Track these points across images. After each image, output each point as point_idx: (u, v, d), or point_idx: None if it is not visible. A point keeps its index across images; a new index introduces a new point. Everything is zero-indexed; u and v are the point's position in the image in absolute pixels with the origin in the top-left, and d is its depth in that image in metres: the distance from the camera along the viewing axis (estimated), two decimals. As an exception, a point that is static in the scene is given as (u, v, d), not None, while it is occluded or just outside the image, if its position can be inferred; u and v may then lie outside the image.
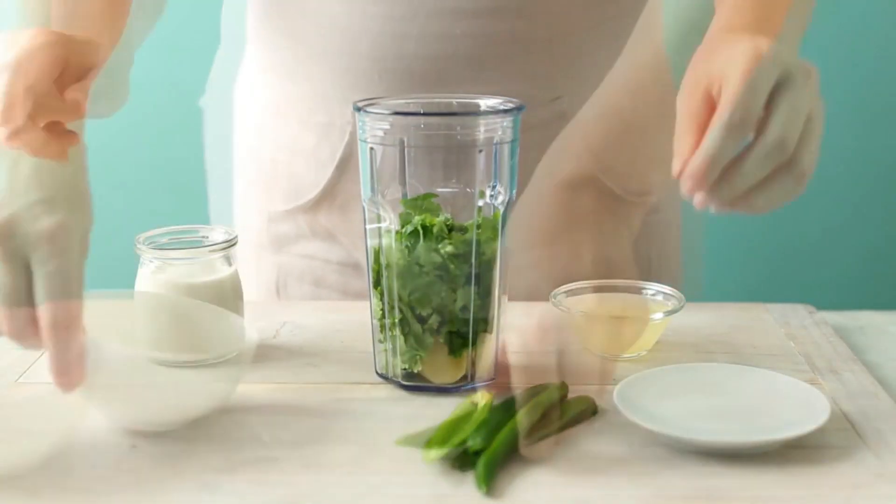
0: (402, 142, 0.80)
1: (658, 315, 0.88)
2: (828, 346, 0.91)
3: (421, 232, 0.80)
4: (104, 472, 0.71)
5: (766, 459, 0.72)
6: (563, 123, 0.99)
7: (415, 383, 0.83)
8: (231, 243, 0.90)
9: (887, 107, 1.95)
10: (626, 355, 0.88)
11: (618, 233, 0.94)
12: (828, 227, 1.97)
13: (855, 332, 0.98)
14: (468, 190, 0.81)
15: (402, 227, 0.81)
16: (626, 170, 0.93)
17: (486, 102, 0.84)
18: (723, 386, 0.80)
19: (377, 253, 0.82)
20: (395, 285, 0.81)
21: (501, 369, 0.82)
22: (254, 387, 0.84)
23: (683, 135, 0.72)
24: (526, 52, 1.02)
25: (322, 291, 1.11)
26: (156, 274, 0.88)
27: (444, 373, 0.82)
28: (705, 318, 0.97)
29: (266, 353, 0.91)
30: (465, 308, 0.81)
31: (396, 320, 0.82)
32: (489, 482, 0.68)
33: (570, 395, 0.78)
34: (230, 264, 0.91)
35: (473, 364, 0.82)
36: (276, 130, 1.11)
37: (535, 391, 0.76)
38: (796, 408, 0.76)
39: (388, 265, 0.81)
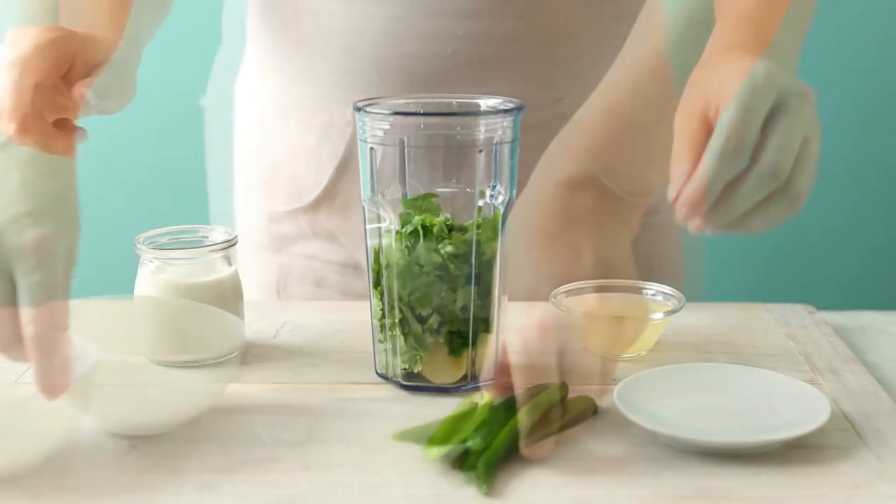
0: (402, 142, 0.80)
1: (658, 315, 0.88)
2: (828, 346, 0.91)
3: (421, 232, 0.80)
4: (104, 472, 0.71)
5: (766, 459, 0.72)
6: (563, 123, 0.99)
7: (415, 383, 0.83)
8: (231, 243, 0.90)
9: (887, 107, 1.95)
10: (626, 355, 0.88)
11: (618, 233, 0.94)
12: (828, 227, 1.97)
13: (855, 332, 0.98)
14: (468, 190, 0.81)
15: (402, 227, 0.81)
16: (626, 170, 0.93)
17: (486, 102, 0.84)
18: (723, 386, 0.80)
19: (377, 253, 0.82)
20: (395, 285, 0.81)
21: (501, 369, 0.82)
22: (254, 387, 0.84)
23: (680, 159, 0.72)
24: (526, 53, 1.02)
25: (323, 292, 1.11)
26: (156, 274, 0.88)
27: (444, 373, 0.82)
28: (705, 318, 0.97)
29: (266, 353, 0.91)
30: (465, 308, 0.81)
31: (396, 320, 0.82)
32: (489, 482, 0.68)
33: (570, 395, 0.78)
34: (230, 264, 0.91)
35: (473, 364, 0.82)
36: (276, 131, 1.11)
37: (535, 391, 0.76)
38: (796, 408, 0.76)
39: (388, 265, 0.81)
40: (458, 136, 0.80)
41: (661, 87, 0.91)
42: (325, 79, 1.05)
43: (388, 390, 0.83)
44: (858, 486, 0.69)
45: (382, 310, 0.83)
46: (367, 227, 0.83)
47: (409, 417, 0.78)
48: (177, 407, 0.77)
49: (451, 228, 0.81)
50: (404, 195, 0.81)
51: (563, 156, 0.93)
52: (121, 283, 0.96)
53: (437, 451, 0.71)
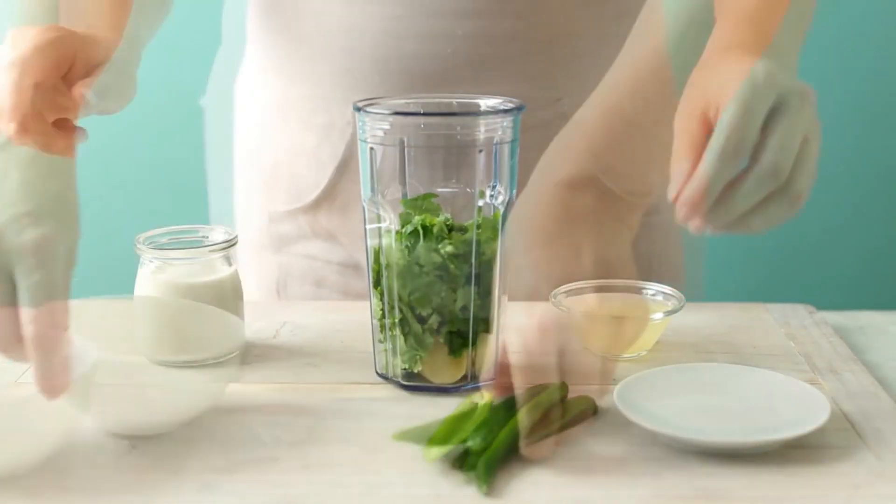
0: (402, 142, 0.80)
1: (658, 315, 0.88)
2: (828, 346, 0.91)
3: (421, 232, 0.80)
4: (104, 472, 0.71)
5: (766, 459, 0.72)
6: (563, 123, 0.99)
7: (415, 383, 0.83)
8: (231, 243, 0.90)
9: (887, 107, 1.95)
10: (626, 355, 0.88)
11: (618, 233, 0.94)
12: (828, 227, 1.97)
13: (855, 332, 0.98)
14: (468, 190, 0.81)
15: (402, 227, 0.81)
16: (626, 170, 0.93)
17: (486, 102, 0.84)
18: (723, 386, 0.80)
19: (377, 253, 0.82)
20: (395, 285, 0.81)
21: (501, 369, 0.82)
22: (254, 387, 0.84)
23: (679, 159, 0.72)
24: (526, 53, 1.02)
25: (323, 292, 1.11)
26: (156, 274, 0.88)
27: (444, 373, 0.82)
28: (705, 318, 0.97)
29: (266, 353, 0.91)
30: (465, 308, 0.81)
31: (396, 320, 0.82)
32: (489, 482, 0.68)
33: (570, 395, 0.78)
34: (230, 264, 0.91)
35: (473, 364, 0.82)
36: (276, 131, 1.11)
37: (535, 391, 0.76)
38: (796, 408, 0.76)
39: (388, 265, 0.81)
40: (458, 136, 0.80)
41: (660, 86, 0.91)
42: (325, 79, 1.05)
43: (388, 390, 0.83)
44: (858, 486, 0.69)
45: (382, 310, 0.83)
46: (367, 227, 0.83)
47: (409, 417, 0.78)
48: (176, 407, 0.77)
49: (451, 228, 0.81)
50: (404, 195, 0.81)
51: (563, 156, 0.93)
52: (121, 283, 0.96)
53: (437, 452, 0.71)
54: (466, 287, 0.81)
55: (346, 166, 1.06)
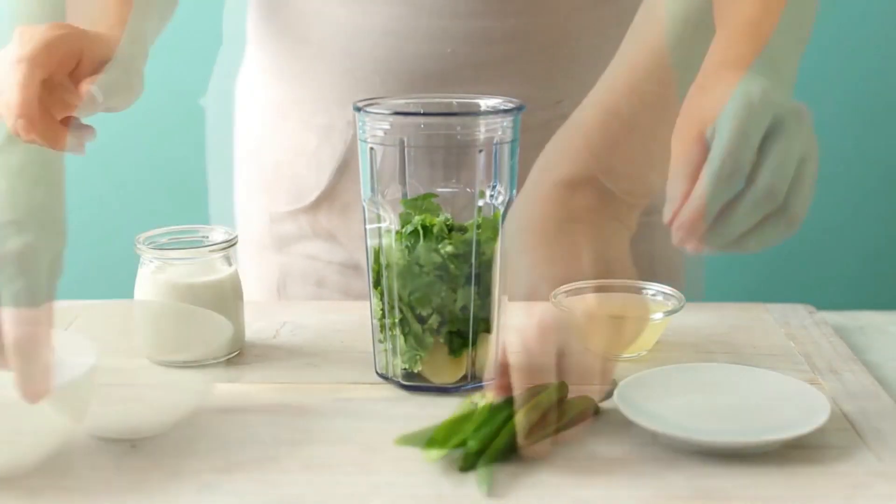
0: (402, 142, 0.80)
1: (658, 315, 0.88)
2: (828, 346, 0.91)
3: (421, 232, 0.80)
4: (104, 472, 0.71)
5: (766, 459, 0.72)
6: (563, 124, 0.98)
7: (415, 383, 0.83)
8: (231, 243, 0.90)
9: (887, 107, 1.95)
10: (626, 355, 0.88)
11: (616, 233, 0.94)
12: (828, 227, 1.97)
13: (855, 332, 0.98)
14: (468, 190, 0.81)
15: (402, 227, 0.81)
16: (625, 170, 0.93)
17: (486, 102, 0.84)
18: (723, 386, 0.80)
19: (377, 253, 0.82)
20: (395, 285, 0.81)
21: (501, 369, 0.82)
22: (254, 387, 0.84)
23: (675, 180, 0.72)
24: (526, 53, 1.02)
25: (324, 292, 1.11)
26: (156, 274, 0.88)
27: (444, 373, 0.82)
28: (705, 318, 0.97)
29: (266, 353, 0.91)
30: (465, 308, 0.81)
31: (396, 320, 0.82)
32: (489, 482, 0.69)
33: (570, 395, 0.78)
34: (230, 264, 0.91)
35: (473, 364, 0.82)
36: (277, 131, 1.11)
37: (535, 391, 0.76)
38: (796, 408, 0.76)
39: (388, 265, 0.81)
40: (458, 136, 0.80)
41: (658, 87, 0.90)
42: (325, 79, 1.05)
43: (388, 390, 0.83)
44: (858, 486, 0.69)
45: (382, 310, 0.83)
46: (367, 227, 0.83)
47: (409, 417, 0.78)
48: (161, 410, 0.77)
49: (451, 228, 0.81)
50: (404, 195, 0.81)
51: (561, 156, 0.93)
52: (121, 283, 0.96)
53: (438, 452, 0.71)
54: (466, 287, 0.81)
55: (346, 167, 1.06)
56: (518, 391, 0.75)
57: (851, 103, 1.92)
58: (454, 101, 0.86)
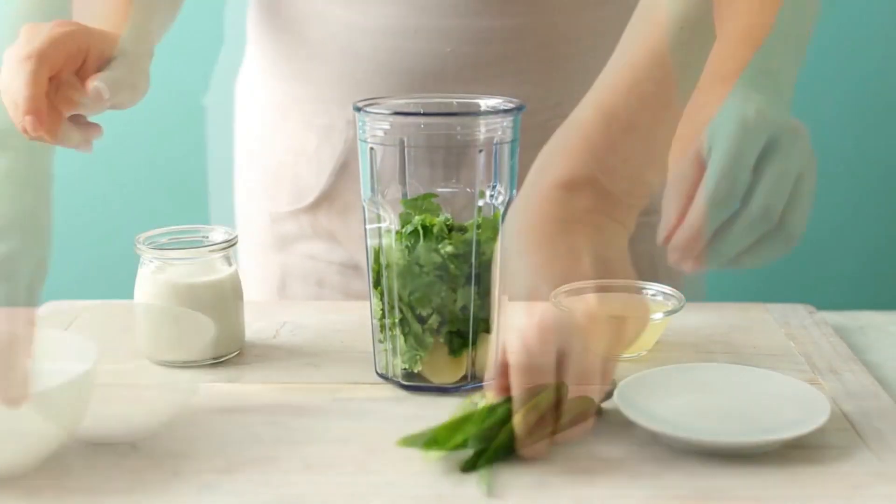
0: (402, 142, 0.80)
1: (658, 315, 0.88)
2: (828, 346, 0.91)
3: (421, 232, 0.80)
4: (104, 472, 0.71)
5: (766, 459, 0.72)
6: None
7: (415, 383, 0.83)
8: (231, 243, 0.90)
9: (887, 107, 1.95)
10: (626, 355, 0.88)
11: (616, 233, 0.94)
12: (828, 227, 1.97)
13: (855, 332, 0.98)
14: (468, 190, 0.81)
15: (402, 227, 0.81)
16: (624, 170, 0.92)
17: (486, 102, 0.84)
18: (723, 386, 0.80)
19: (377, 253, 0.82)
20: (395, 285, 0.81)
21: (501, 369, 0.82)
22: (254, 387, 0.84)
23: (671, 199, 0.72)
24: (526, 53, 1.02)
25: (325, 292, 1.11)
26: (156, 274, 0.88)
27: (444, 373, 0.82)
28: (705, 318, 0.97)
29: (266, 353, 0.91)
30: (465, 308, 0.81)
31: (396, 320, 0.82)
32: (489, 482, 0.68)
33: (570, 396, 0.78)
34: (230, 264, 0.91)
35: (473, 364, 0.82)
36: (277, 131, 1.11)
37: (534, 391, 0.76)
38: (796, 408, 0.76)
39: (388, 265, 0.81)
40: (458, 136, 0.80)
41: (656, 87, 0.90)
42: (325, 79, 1.05)
43: (388, 390, 0.83)
44: (858, 486, 0.69)
45: (382, 310, 0.83)
46: (367, 227, 0.83)
47: (409, 417, 0.78)
48: (143, 416, 0.76)
49: (451, 228, 0.81)
50: (404, 195, 0.81)
51: (559, 157, 0.93)
52: (121, 283, 0.96)
53: (437, 452, 0.71)
54: (466, 287, 0.81)
55: (346, 167, 1.06)
56: (518, 391, 0.75)
57: (851, 103, 1.92)
58: (454, 101, 0.86)
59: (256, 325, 0.96)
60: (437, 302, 0.81)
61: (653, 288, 0.92)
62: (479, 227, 0.81)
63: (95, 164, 1.89)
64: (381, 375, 0.85)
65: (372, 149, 0.81)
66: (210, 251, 0.89)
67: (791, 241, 0.71)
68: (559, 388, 0.77)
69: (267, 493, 0.69)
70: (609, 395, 0.78)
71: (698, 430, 0.73)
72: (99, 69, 0.77)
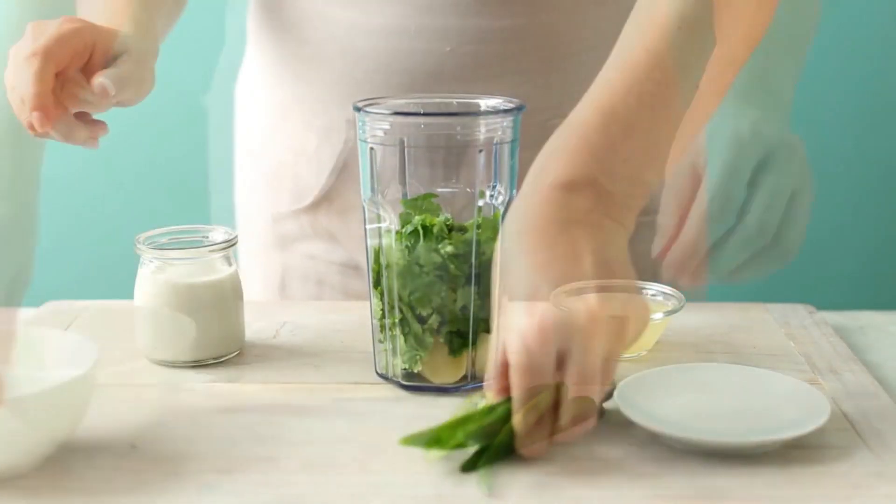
0: (402, 142, 0.80)
1: (658, 315, 0.88)
2: (828, 346, 0.91)
3: (421, 232, 0.80)
4: (104, 472, 0.71)
5: (766, 459, 0.72)
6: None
7: (415, 383, 0.83)
8: (231, 243, 0.90)
9: (887, 107, 1.95)
10: (626, 355, 0.88)
11: (616, 233, 0.94)
12: (828, 227, 1.97)
13: (855, 332, 0.98)
14: (468, 190, 0.81)
15: (402, 227, 0.81)
16: (623, 171, 0.92)
17: (486, 102, 0.84)
18: (723, 386, 0.80)
19: (377, 253, 0.82)
20: (395, 285, 0.81)
21: (501, 369, 0.82)
22: (254, 387, 0.84)
23: (667, 214, 0.72)
24: (526, 53, 1.02)
25: (325, 292, 1.11)
26: (156, 274, 0.88)
27: (444, 373, 0.82)
28: (705, 318, 0.97)
29: (266, 353, 0.91)
30: (465, 308, 0.81)
31: (396, 320, 0.82)
32: (490, 482, 0.68)
33: (570, 396, 0.78)
34: (230, 264, 0.91)
35: (473, 364, 0.82)
36: (278, 131, 1.11)
37: (534, 391, 0.76)
38: (796, 408, 0.76)
39: (388, 265, 0.81)
40: (458, 136, 0.80)
41: (654, 87, 0.90)
42: (325, 79, 1.05)
43: (388, 390, 0.83)
44: (858, 486, 0.69)
45: (382, 310, 0.83)
46: (367, 227, 0.83)
47: (409, 417, 0.78)
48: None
49: (451, 228, 0.81)
50: (404, 195, 0.81)
51: (558, 157, 0.93)
52: (121, 283, 0.96)
53: (438, 452, 0.71)
54: (466, 287, 0.81)
55: (346, 167, 1.06)
56: (518, 391, 0.75)
57: (851, 103, 1.92)
58: (454, 101, 0.86)
59: (256, 325, 0.96)
60: (437, 302, 0.81)
61: (653, 288, 0.92)
62: (479, 227, 0.81)
63: (95, 163, 1.89)
64: (381, 375, 0.85)
65: (372, 149, 0.81)
66: (210, 251, 0.89)
67: (787, 257, 0.72)
68: (559, 388, 0.77)
69: (267, 493, 0.69)
70: (609, 396, 0.78)
71: (698, 430, 0.73)
72: (105, 66, 0.77)
